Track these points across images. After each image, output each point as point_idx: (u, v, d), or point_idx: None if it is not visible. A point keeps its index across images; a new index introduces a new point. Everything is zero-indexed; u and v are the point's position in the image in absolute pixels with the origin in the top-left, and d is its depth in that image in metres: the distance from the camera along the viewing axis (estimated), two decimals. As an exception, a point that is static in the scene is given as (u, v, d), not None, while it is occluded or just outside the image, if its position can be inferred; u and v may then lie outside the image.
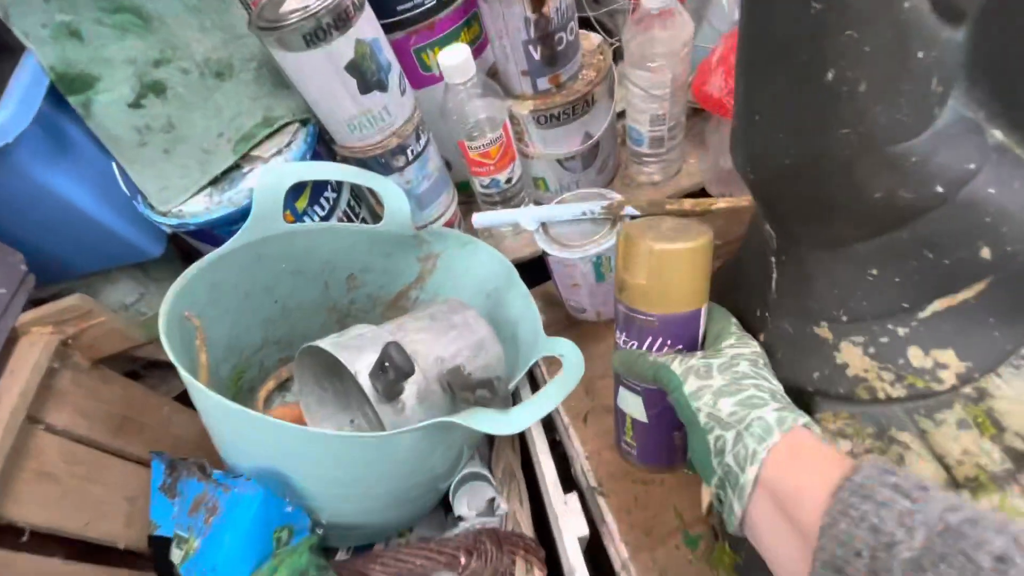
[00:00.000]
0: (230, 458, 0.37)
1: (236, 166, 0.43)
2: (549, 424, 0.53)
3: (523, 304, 0.50)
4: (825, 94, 0.21)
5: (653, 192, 0.61)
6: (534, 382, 0.54)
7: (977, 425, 0.25)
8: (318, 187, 0.45)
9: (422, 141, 0.48)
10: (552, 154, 0.56)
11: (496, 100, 0.50)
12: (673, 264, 0.29)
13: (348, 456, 0.33)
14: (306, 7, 0.37)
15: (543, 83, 0.51)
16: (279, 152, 0.43)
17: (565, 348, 0.39)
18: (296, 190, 0.43)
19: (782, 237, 0.30)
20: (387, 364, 0.33)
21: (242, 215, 0.41)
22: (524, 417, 0.31)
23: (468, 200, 0.62)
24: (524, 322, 0.49)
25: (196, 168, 0.42)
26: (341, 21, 0.37)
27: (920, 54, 0.19)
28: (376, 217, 0.53)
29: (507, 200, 0.59)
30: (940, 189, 0.23)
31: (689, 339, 0.31)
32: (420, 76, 0.53)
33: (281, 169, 0.40)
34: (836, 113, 0.22)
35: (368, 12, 0.40)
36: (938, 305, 0.26)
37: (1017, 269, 0.24)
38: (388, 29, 0.49)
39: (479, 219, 0.50)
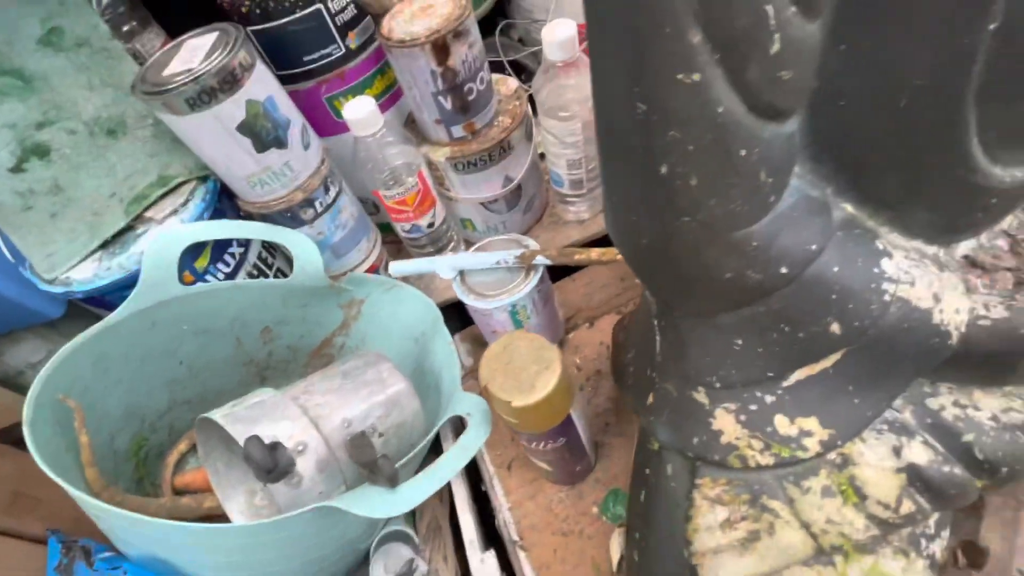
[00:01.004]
0: (118, 544, 0.35)
1: (128, 228, 0.41)
2: (477, 471, 0.52)
3: (446, 352, 0.49)
4: (662, 186, 0.22)
5: (580, 230, 0.61)
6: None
7: (841, 493, 0.26)
8: (221, 244, 0.44)
9: (332, 192, 0.48)
10: (474, 198, 0.56)
11: (409, 148, 0.50)
12: (530, 410, 0.32)
13: (236, 543, 0.32)
14: (190, 70, 0.36)
15: (458, 131, 0.51)
16: (174, 212, 0.41)
17: (472, 406, 0.39)
18: (195, 249, 0.42)
19: (659, 303, 0.30)
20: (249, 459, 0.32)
21: (134, 280, 0.39)
22: (413, 496, 0.31)
23: (399, 240, 0.61)
24: (447, 371, 0.48)
25: (85, 232, 0.40)
26: (228, 83, 0.36)
27: (743, 152, 0.20)
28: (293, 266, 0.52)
29: (435, 241, 0.58)
30: (785, 270, 0.23)
31: (571, 436, 0.38)
32: (334, 123, 0.52)
33: (171, 233, 0.38)
34: (674, 204, 0.22)
35: (260, 71, 0.39)
36: (800, 374, 0.26)
37: (868, 341, 0.25)
38: (296, 79, 0.49)
39: (395, 268, 0.49)
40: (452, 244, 0.61)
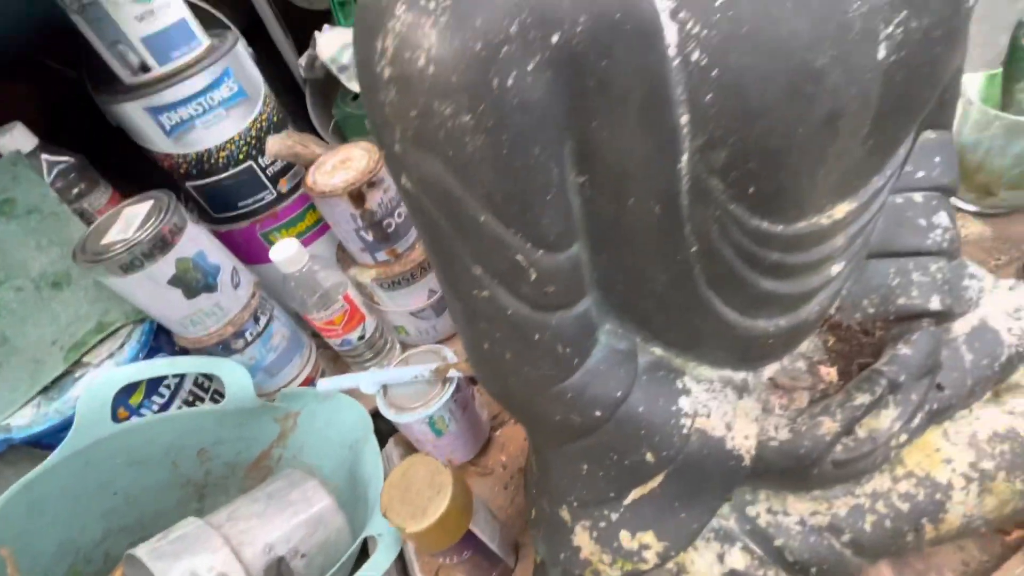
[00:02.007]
0: None
1: (67, 372, 0.45)
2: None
3: (374, 463, 0.52)
4: (489, 357, 0.27)
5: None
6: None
7: (676, 600, 0.30)
8: (155, 378, 0.48)
9: (262, 321, 0.52)
10: (402, 310, 0.62)
11: (335, 274, 0.55)
12: (425, 534, 0.34)
13: None
14: (125, 239, 0.41)
15: (381, 256, 0.57)
16: (111, 356, 0.45)
17: (383, 527, 0.42)
18: (130, 387, 0.45)
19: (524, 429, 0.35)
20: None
21: (70, 423, 0.42)
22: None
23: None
24: (373, 482, 0.51)
25: (26, 379, 0.44)
26: (159, 248, 0.42)
27: (536, 336, 0.25)
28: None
29: (371, 347, 0.63)
30: (599, 413, 0.29)
31: (477, 547, 0.39)
32: (267, 251, 0.57)
33: (104, 379, 0.42)
34: (499, 370, 0.27)
35: (191, 231, 0.45)
36: (635, 494, 0.31)
37: (679, 465, 0.30)
38: (233, 220, 0.55)
39: (322, 385, 0.53)
40: (388, 348, 0.66)
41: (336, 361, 0.68)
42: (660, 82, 0.18)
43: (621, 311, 0.29)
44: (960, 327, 0.35)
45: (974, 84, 0.58)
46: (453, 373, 0.51)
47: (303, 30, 0.71)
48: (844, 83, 0.19)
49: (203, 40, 0.47)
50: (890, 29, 0.19)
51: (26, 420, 0.43)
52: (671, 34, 0.17)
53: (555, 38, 0.17)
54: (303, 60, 0.62)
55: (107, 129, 0.51)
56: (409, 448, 0.62)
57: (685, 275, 0.25)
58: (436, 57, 0.17)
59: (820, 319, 0.33)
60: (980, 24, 0.68)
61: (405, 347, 0.68)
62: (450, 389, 0.50)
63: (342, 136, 0.67)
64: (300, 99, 0.70)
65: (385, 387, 0.53)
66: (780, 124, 0.19)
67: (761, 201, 0.22)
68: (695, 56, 0.17)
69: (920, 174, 0.32)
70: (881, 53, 0.19)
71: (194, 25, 0.46)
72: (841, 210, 0.25)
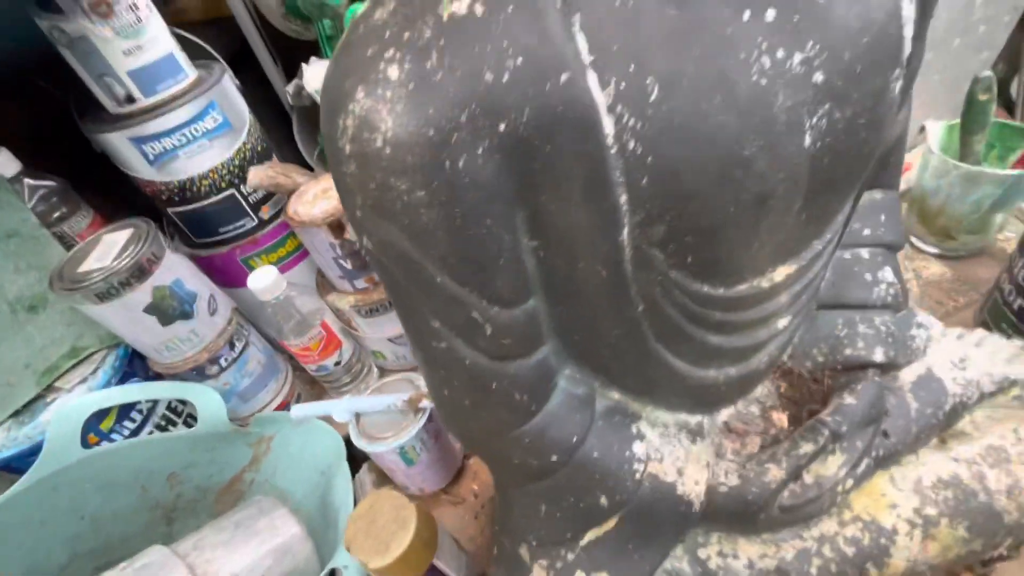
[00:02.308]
0: None
1: (38, 396, 0.45)
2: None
3: (344, 490, 0.52)
4: (448, 402, 0.28)
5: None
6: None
7: (626, 641, 0.31)
8: (127, 403, 0.48)
9: (238, 347, 0.53)
10: (380, 336, 0.62)
11: (312, 301, 0.56)
12: (387, 569, 0.34)
13: None
14: (103, 268, 0.42)
15: (360, 283, 0.58)
16: (83, 381, 0.46)
17: (348, 560, 0.42)
18: (101, 412, 0.46)
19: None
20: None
21: (39, 448, 0.42)
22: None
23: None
24: (343, 510, 0.52)
25: (-3, 403, 0.44)
26: (136, 276, 0.43)
27: (494, 384, 0.26)
28: (201, 414, 0.56)
29: (349, 370, 0.64)
30: (555, 458, 0.30)
31: None
32: (247, 276, 0.58)
33: (76, 405, 0.43)
34: (458, 415, 0.28)
35: (168, 259, 0.45)
36: (591, 535, 0.32)
37: (632, 509, 0.31)
38: (214, 246, 0.56)
39: (295, 412, 0.54)
40: (365, 372, 0.66)
41: (313, 384, 0.68)
42: (599, 166, 0.19)
43: (579, 358, 0.30)
44: (907, 375, 0.37)
45: (935, 133, 0.61)
46: (425, 403, 0.51)
47: (292, 57, 0.73)
48: (771, 169, 0.20)
49: (189, 73, 0.48)
50: (814, 120, 0.20)
51: (-6, 444, 0.43)
52: (608, 125, 0.19)
53: (502, 127, 0.18)
54: (291, 88, 0.64)
55: (93, 150, 0.52)
56: (382, 475, 0.63)
57: (635, 330, 0.26)
58: (392, 140, 0.18)
59: (771, 367, 0.34)
60: (943, 73, 0.71)
61: (383, 371, 0.69)
62: (422, 419, 0.51)
63: (326, 162, 0.68)
64: (287, 124, 0.71)
65: (358, 415, 0.54)
66: (712, 205, 0.20)
67: (700, 269, 0.23)
68: (631, 145, 0.19)
69: (866, 232, 0.34)
70: (807, 141, 0.21)
71: (181, 58, 0.47)
72: (781, 273, 0.26)
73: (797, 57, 0.19)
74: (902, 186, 0.72)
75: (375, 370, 0.68)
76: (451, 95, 0.18)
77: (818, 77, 0.20)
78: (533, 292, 0.25)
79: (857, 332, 0.34)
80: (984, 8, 0.63)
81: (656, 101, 0.18)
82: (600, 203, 0.20)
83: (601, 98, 0.18)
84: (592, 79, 0.18)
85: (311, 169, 0.68)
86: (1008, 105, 1.27)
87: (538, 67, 0.18)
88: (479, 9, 0.17)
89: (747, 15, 0.19)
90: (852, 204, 0.29)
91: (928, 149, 0.59)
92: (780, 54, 0.19)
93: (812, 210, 0.24)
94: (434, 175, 0.19)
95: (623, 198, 0.20)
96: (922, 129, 0.77)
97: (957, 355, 0.38)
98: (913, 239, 0.66)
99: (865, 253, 0.34)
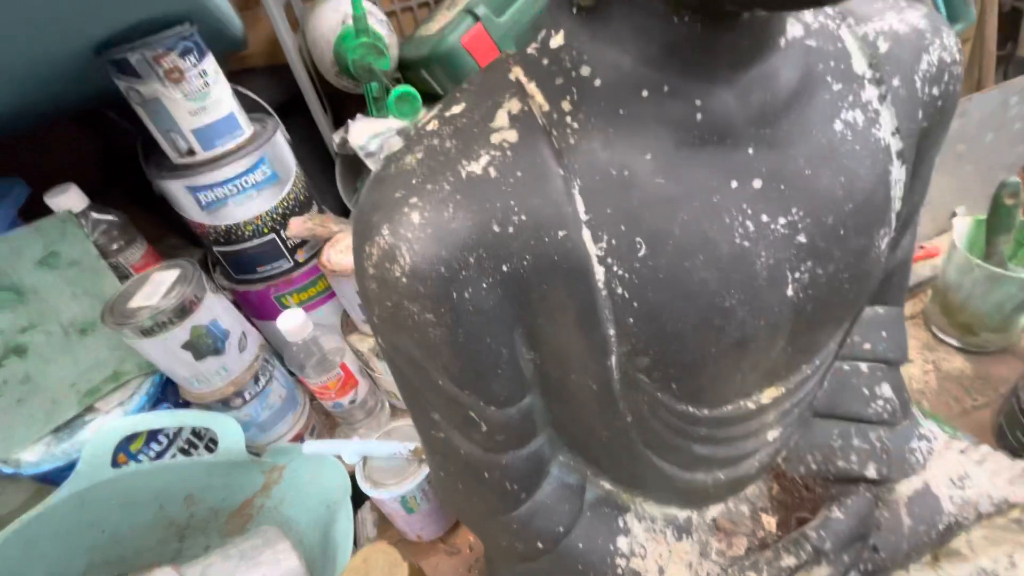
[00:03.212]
0: None
1: (78, 414, 0.49)
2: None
3: (345, 528, 0.55)
4: (445, 485, 0.30)
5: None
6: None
7: None
8: (155, 428, 0.51)
9: (262, 382, 0.56)
10: (395, 378, 0.65)
11: (335, 339, 0.59)
12: None
13: None
14: (151, 307, 0.46)
15: (381, 328, 0.61)
16: (120, 404, 0.49)
17: (341, 603, 0.44)
18: (132, 435, 0.49)
19: (479, 541, 0.37)
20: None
21: (75, 465, 0.46)
22: None
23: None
24: (342, 548, 0.54)
25: (42, 418, 0.48)
26: (178, 316, 0.46)
27: (486, 474, 0.28)
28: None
29: (363, 407, 0.66)
30: (540, 545, 0.31)
31: None
32: (279, 311, 0.62)
33: (112, 428, 0.46)
34: (453, 497, 0.30)
35: (209, 300, 0.49)
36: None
37: (613, 599, 0.32)
38: (251, 283, 0.60)
39: (307, 448, 0.56)
40: (378, 409, 0.69)
41: (327, 415, 0.71)
42: (590, 304, 0.21)
43: (572, 448, 0.32)
44: (904, 489, 0.37)
45: (961, 228, 0.61)
46: (431, 454, 0.53)
47: (340, 106, 0.78)
48: (752, 318, 0.22)
49: (246, 130, 0.52)
50: (797, 275, 0.22)
51: (36, 457, 0.47)
52: (599, 273, 0.21)
53: (505, 268, 0.21)
54: (336, 137, 0.68)
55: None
56: (383, 515, 0.64)
57: (623, 435, 0.28)
58: (409, 273, 0.20)
59: (762, 471, 0.35)
60: (977, 164, 0.71)
61: (395, 410, 0.71)
62: (425, 471, 0.53)
63: (363, 206, 0.72)
64: (330, 166, 0.76)
65: (365, 458, 0.56)
66: (692, 346, 0.22)
67: (684, 394, 0.25)
68: (619, 290, 0.21)
69: (867, 346, 0.35)
70: (789, 292, 0.22)
71: (240, 117, 0.52)
72: (768, 395, 0.27)
73: (781, 221, 0.21)
74: (928, 272, 0.71)
75: (387, 408, 0.70)
76: (462, 241, 0.20)
77: (801, 238, 0.22)
78: (529, 391, 0.27)
79: (851, 445, 0.35)
80: (1019, 106, 0.64)
81: (643, 257, 0.20)
82: (590, 332, 0.22)
83: (594, 250, 0.20)
84: (587, 235, 0.20)
85: (348, 212, 0.73)
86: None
87: (540, 223, 0.20)
88: (492, 172, 0.20)
89: (735, 184, 0.20)
90: (847, 330, 0.30)
91: (952, 244, 0.59)
92: (764, 218, 0.21)
93: (798, 345, 0.25)
94: (442, 303, 0.21)
95: (611, 331, 0.22)
96: (953, 214, 0.76)
97: (957, 472, 0.38)
98: (935, 329, 0.65)
99: (865, 367, 0.35)
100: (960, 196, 0.74)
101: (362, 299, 0.24)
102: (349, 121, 0.63)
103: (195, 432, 0.56)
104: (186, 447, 0.55)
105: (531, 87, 0.21)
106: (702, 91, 0.19)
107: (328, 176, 0.75)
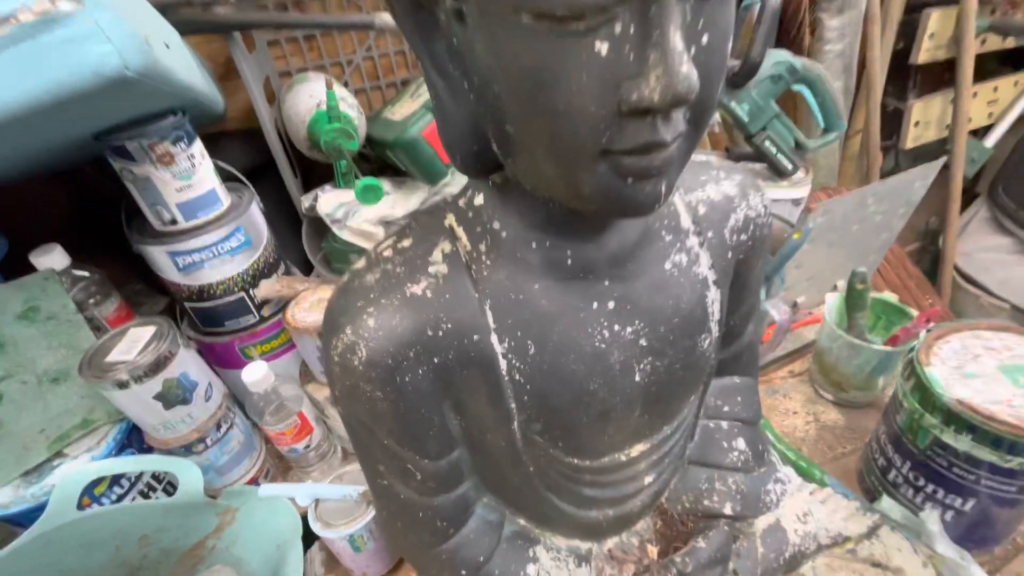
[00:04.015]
0: None
1: (47, 459, 0.53)
2: None
3: (295, 568, 0.59)
4: (387, 522, 0.37)
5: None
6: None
7: None
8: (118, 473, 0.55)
9: (223, 429, 0.61)
10: (348, 424, 0.71)
11: (292, 388, 0.65)
12: None
13: None
14: (127, 362, 0.51)
15: (338, 379, 0.67)
16: (88, 450, 0.53)
17: (290, 634, 0.49)
18: (97, 478, 0.53)
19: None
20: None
21: (42, 508, 0.49)
22: None
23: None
24: (291, 587, 0.58)
25: (12, 463, 0.52)
26: (152, 370, 0.52)
27: (420, 514, 0.36)
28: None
29: (317, 450, 0.71)
30: (464, 572, 0.38)
31: None
32: (242, 361, 0.67)
33: (80, 472, 0.50)
34: (394, 533, 0.37)
35: (181, 356, 0.55)
36: (488, 637, 0.40)
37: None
38: (218, 335, 0.65)
39: (263, 491, 0.61)
40: (331, 453, 0.74)
41: (281, 459, 0.75)
42: (497, 387, 0.30)
43: (492, 491, 0.40)
44: (760, 523, 0.46)
45: (831, 302, 0.74)
46: (378, 496, 0.59)
47: (309, 170, 0.86)
48: (610, 396, 0.31)
49: (225, 202, 0.59)
50: (641, 366, 0.31)
51: (6, 500, 0.50)
52: (503, 365, 0.29)
53: (436, 359, 0.29)
54: (306, 201, 0.76)
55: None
56: (331, 553, 0.69)
57: (529, 481, 0.36)
58: (365, 362, 0.28)
59: (646, 509, 0.43)
60: (850, 249, 0.85)
61: (346, 454, 0.76)
62: (371, 512, 0.59)
63: (328, 263, 0.80)
64: (297, 225, 0.83)
65: (317, 500, 0.61)
66: (569, 416, 0.31)
67: (569, 450, 0.33)
68: (516, 377, 0.29)
69: (726, 408, 0.45)
70: (637, 378, 0.32)
71: (220, 191, 0.59)
72: (637, 450, 0.36)
73: (628, 330, 0.31)
74: (812, 336, 0.84)
75: (339, 452, 0.76)
76: (405, 340, 0.28)
77: (643, 342, 0.31)
78: (456, 447, 0.35)
79: (715, 488, 0.44)
80: (876, 204, 0.78)
81: (533, 354, 0.29)
82: (498, 406, 0.31)
83: (499, 349, 0.29)
84: (494, 338, 0.29)
85: (311, 268, 0.79)
86: (935, 257, 1.44)
87: (461, 330, 0.29)
88: (429, 293, 0.28)
89: (595, 305, 0.30)
90: (699, 399, 0.40)
91: (824, 315, 0.72)
92: (616, 328, 0.30)
93: (654, 412, 0.35)
94: (388, 384, 0.29)
95: (513, 405, 0.31)
96: (834, 288, 0.91)
97: (802, 510, 0.48)
98: (816, 386, 0.77)
99: (725, 425, 0.45)
100: (839, 272, 0.88)
101: (327, 377, 0.32)
102: (318, 191, 0.71)
103: (155, 476, 0.60)
104: (146, 490, 0.59)
105: (459, 231, 0.30)
106: (572, 245, 0.28)
107: (295, 232, 0.82)
